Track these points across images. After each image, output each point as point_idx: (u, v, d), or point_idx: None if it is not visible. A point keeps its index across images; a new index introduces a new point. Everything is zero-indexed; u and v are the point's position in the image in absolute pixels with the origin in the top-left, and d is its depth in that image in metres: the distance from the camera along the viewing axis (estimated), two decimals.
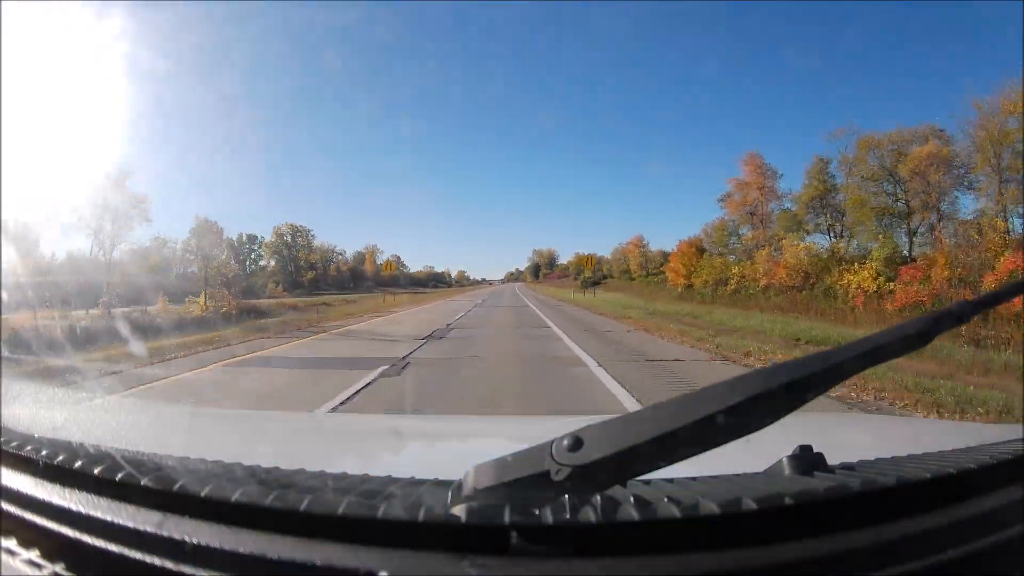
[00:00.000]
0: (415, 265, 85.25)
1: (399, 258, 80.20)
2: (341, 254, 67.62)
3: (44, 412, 1.61)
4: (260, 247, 55.15)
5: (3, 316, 9.90)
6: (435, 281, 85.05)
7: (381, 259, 77.81)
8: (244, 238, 54.06)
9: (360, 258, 71.61)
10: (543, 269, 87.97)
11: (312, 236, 59.15)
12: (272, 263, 57.08)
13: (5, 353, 7.91)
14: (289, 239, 57.85)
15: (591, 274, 59.64)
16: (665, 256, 52.93)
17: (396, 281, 70.21)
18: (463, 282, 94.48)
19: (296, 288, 50.16)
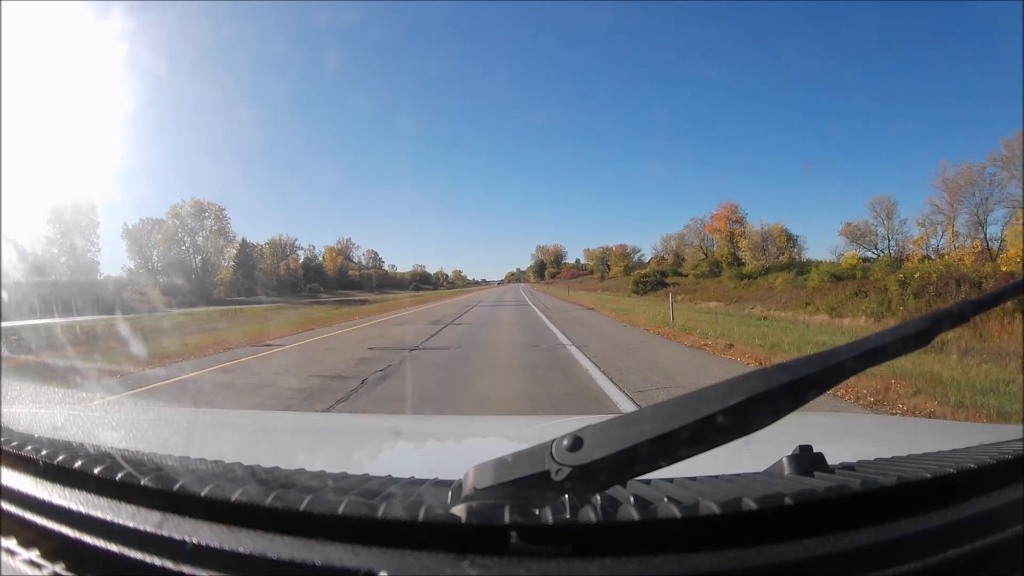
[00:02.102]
0: (404, 264, 75.82)
1: (376, 255, 68.74)
2: (303, 249, 54.69)
3: (44, 412, 1.62)
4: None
5: None
6: (419, 283, 73.36)
7: (358, 255, 65.66)
8: (149, 224, 38.14)
9: (332, 256, 59.03)
10: (549, 267, 77.21)
11: (227, 218, 40.35)
12: (161, 257, 38.46)
13: (5, 353, 7.90)
14: (192, 222, 39.02)
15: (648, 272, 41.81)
16: (792, 237, 33.88)
17: (367, 282, 60.52)
18: (458, 283, 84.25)
19: (197, 294, 33.59)
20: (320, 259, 60.12)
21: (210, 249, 40.27)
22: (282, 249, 54.53)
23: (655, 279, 37.88)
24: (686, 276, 38.76)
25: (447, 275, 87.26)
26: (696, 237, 42.80)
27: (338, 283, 57.81)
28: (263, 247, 51.70)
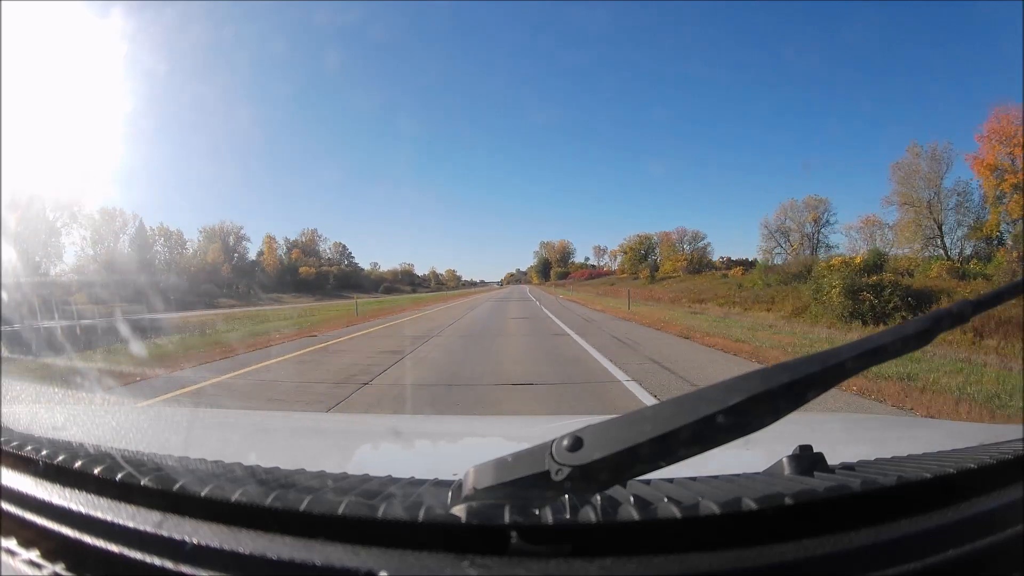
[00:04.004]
0: (392, 262, 65.42)
1: (344, 248, 56.96)
2: (248, 241, 42.29)
3: (44, 412, 1.62)
4: None
5: None
6: (396, 284, 60.49)
7: (325, 247, 53.62)
8: None
9: (272, 248, 47.03)
10: (555, 266, 66.50)
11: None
12: None
13: (5, 353, 7.90)
14: None
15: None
16: None
17: (324, 282, 49.12)
18: (449, 284, 74.99)
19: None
20: (283, 252, 47.52)
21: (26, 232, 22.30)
22: (223, 240, 41.79)
23: (894, 288, 15.26)
24: (908, 274, 18.92)
25: (439, 275, 75.82)
26: (923, 185, 20.41)
27: (280, 283, 44.38)
28: (191, 238, 38.49)
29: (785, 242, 30.14)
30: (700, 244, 37.06)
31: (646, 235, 41.38)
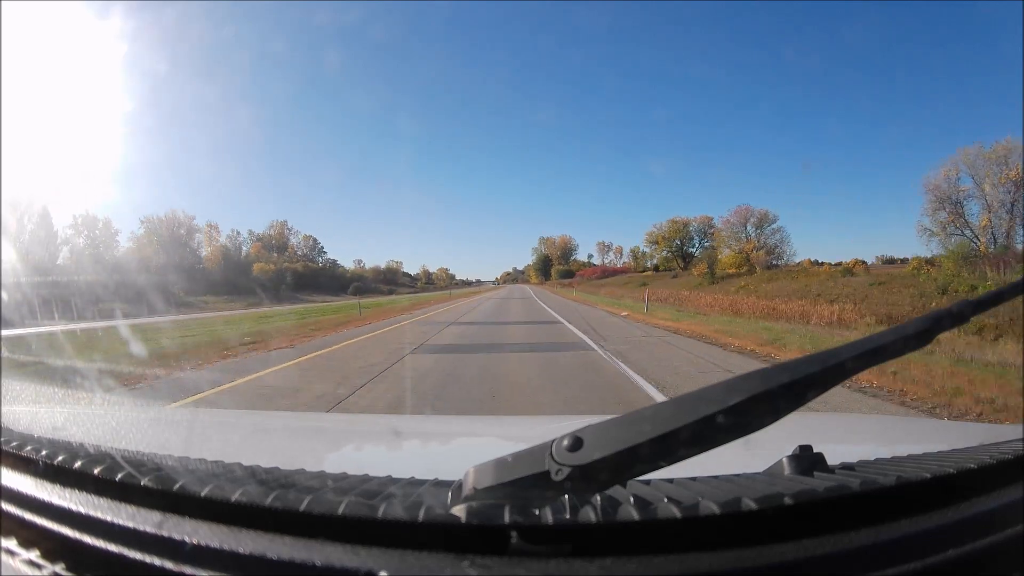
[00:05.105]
0: (379, 260, 60.16)
1: (315, 241, 51.10)
2: (199, 231, 34.72)
3: (44, 412, 1.62)
4: None
5: None
6: (370, 284, 52.41)
7: (295, 241, 48.06)
8: None
9: (214, 240, 38.09)
10: (556, 264, 61.92)
11: None
12: None
13: (5, 353, 7.90)
14: None
15: None
16: None
17: (280, 280, 41.54)
18: (440, 284, 69.74)
19: None
20: (245, 249, 38.71)
21: None
22: (171, 232, 35.33)
23: None
24: None
25: (430, 273, 70.09)
26: None
27: (226, 282, 35.68)
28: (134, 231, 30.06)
29: (956, 214, 17.75)
30: (768, 228, 25.33)
31: (682, 220, 30.59)
